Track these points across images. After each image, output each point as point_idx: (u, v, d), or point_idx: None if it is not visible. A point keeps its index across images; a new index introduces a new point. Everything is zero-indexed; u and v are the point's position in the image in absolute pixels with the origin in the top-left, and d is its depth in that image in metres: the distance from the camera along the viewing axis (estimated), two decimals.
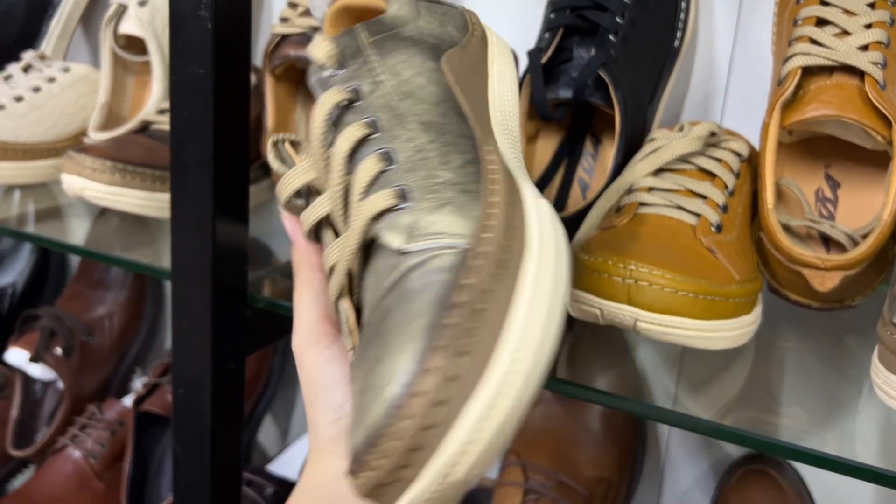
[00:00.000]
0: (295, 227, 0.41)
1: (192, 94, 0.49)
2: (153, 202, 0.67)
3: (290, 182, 0.38)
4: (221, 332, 0.52)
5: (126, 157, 0.66)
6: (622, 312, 0.45)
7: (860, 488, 0.74)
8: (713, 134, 0.57)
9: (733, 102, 0.72)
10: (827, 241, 0.56)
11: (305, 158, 0.38)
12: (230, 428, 0.56)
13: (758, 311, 0.52)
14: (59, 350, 0.94)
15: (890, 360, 0.43)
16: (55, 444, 0.91)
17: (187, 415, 0.54)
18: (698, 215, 0.52)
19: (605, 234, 0.52)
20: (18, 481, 1.00)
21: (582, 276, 0.47)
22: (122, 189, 0.65)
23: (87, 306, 0.99)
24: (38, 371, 0.94)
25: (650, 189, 0.54)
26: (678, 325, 0.45)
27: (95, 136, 0.78)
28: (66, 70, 0.83)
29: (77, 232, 0.80)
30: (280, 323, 0.59)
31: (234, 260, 0.52)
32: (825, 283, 0.51)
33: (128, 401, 0.93)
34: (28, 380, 0.97)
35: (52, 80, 0.82)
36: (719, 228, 0.52)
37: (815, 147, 0.60)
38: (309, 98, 0.77)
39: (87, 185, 0.65)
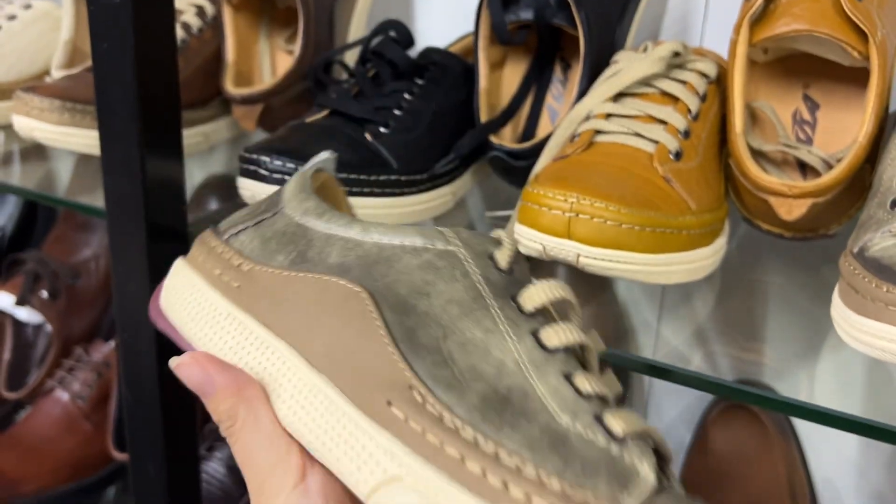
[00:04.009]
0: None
1: (110, 24, 0.46)
2: None
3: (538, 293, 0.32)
4: (161, 276, 0.51)
5: (76, 95, 0.64)
6: (564, 247, 0.43)
7: None
8: (677, 54, 0.53)
9: (715, 20, 0.67)
10: (805, 167, 0.53)
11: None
12: None
13: (719, 242, 0.49)
14: (44, 293, 0.93)
15: (850, 296, 0.40)
16: (44, 386, 0.91)
17: (133, 360, 0.53)
18: (657, 142, 0.49)
19: (557, 164, 0.49)
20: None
21: (526, 210, 0.45)
22: (72, 129, 0.63)
23: (72, 249, 0.98)
24: (25, 314, 0.94)
25: (608, 116, 0.51)
26: (622, 259, 0.42)
27: (58, 75, 0.76)
28: (28, 7, 0.81)
29: (48, 173, 0.79)
30: None
31: (170, 199, 0.50)
32: (792, 211, 0.48)
33: (114, 342, 0.93)
34: (19, 323, 0.97)
35: (12, 17, 0.79)
36: (678, 156, 0.49)
37: (793, 66, 0.56)
38: (273, 28, 0.74)
39: (36, 125, 0.63)
